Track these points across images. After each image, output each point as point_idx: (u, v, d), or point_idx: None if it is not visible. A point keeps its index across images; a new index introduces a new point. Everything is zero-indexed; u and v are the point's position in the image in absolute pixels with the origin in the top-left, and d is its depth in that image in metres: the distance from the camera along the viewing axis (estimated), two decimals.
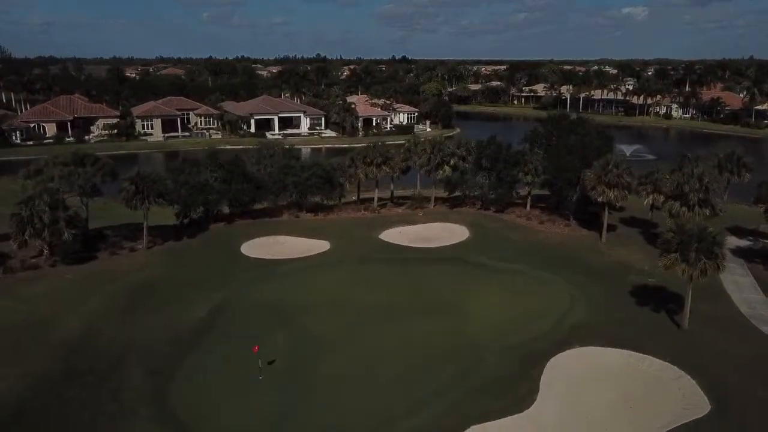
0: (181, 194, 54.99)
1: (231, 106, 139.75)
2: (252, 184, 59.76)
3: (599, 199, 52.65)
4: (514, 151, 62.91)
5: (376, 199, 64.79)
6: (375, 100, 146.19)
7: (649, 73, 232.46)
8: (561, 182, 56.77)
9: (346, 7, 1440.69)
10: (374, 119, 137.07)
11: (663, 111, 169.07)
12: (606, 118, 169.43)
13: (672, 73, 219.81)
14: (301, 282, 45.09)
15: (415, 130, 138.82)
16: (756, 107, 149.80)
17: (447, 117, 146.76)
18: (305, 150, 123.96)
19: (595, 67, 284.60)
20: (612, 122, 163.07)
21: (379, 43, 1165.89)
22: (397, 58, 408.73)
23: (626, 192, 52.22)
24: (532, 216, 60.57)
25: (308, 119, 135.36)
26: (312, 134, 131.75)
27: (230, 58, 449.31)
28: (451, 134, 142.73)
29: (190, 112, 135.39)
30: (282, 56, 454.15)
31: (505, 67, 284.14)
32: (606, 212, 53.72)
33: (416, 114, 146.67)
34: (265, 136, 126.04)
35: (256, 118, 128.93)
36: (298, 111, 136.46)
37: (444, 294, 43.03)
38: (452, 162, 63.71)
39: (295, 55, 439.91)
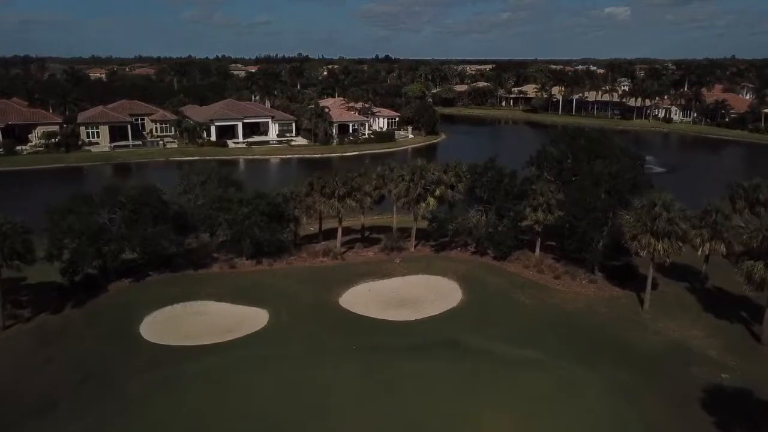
0: (63, 245, 38.80)
1: (192, 111, 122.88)
2: (169, 225, 43.57)
3: (642, 254, 37.22)
4: (519, 179, 47.23)
5: (339, 240, 48.74)
6: (352, 104, 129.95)
7: (641, 74, 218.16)
8: (584, 224, 41.23)
9: (331, 6, 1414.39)
10: (351, 125, 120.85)
11: (662, 114, 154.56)
12: (601, 121, 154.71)
13: (664, 73, 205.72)
14: (210, 397, 29.01)
15: (396, 136, 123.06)
16: (765, 110, 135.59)
17: (431, 122, 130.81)
18: (273, 160, 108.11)
19: (581, 67, 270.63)
20: (608, 126, 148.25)
21: (363, 42, 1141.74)
22: (380, 57, 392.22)
23: (680, 244, 36.78)
24: (543, 265, 44.86)
25: (277, 125, 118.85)
26: (281, 142, 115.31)
27: (210, 57, 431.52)
28: (435, 141, 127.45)
29: (145, 118, 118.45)
30: (263, 56, 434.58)
31: (491, 66, 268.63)
32: (652, 270, 38.16)
33: (397, 119, 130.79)
34: (226, 145, 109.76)
35: (217, 124, 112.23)
36: (266, 116, 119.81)
37: (433, 423, 27.22)
38: (438, 192, 47.92)
39: (276, 55, 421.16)
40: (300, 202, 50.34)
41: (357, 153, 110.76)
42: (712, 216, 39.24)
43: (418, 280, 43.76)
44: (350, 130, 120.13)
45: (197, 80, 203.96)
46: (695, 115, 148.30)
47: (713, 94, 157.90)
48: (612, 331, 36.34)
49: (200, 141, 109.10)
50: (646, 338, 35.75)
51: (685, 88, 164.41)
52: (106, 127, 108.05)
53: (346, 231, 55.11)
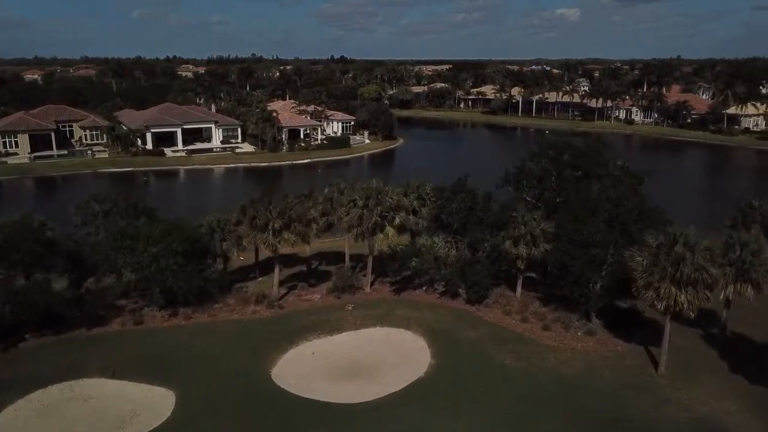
0: None
1: (129, 116, 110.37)
2: (51, 272, 33.13)
3: (659, 307, 28.73)
4: (496, 205, 38.34)
5: (276, 282, 38.84)
6: (303, 107, 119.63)
7: (596, 75, 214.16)
8: (581, 263, 32.58)
9: (286, 7, 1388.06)
10: (302, 130, 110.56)
11: (623, 115, 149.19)
12: (562, 123, 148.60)
13: (621, 73, 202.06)
14: None
15: (351, 142, 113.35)
16: (725, 111, 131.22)
17: (388, 126, 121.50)
18: (216, 170, 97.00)
19: (534, 67, 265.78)
20: (569, 128, 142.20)
21: (319, 43, 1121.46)
22: (335, 58, 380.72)
23: (708, 294, 28.40)
24: (528, 312, 36.03)
25: (221, 131, 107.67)
26: (225, 149, 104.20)
27: (160, 58, 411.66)
28: (393, 146, 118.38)
29: (74, 124, 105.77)
30: (215, 56, 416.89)
31: (447, 67, 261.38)
32: (668, 327, 29.68)
33: (352, 123, 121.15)
34: (163, 154, 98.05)
35: (153, 131, 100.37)
36: (208, 121, 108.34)
37: None
38: (397, 221, 38.61)
39: (229, 55, 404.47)
40: (229, 233, 40.44)
41: (308, 160, 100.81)
42: (737, 251, 31.12)
43: (375, 335, 34.37)
44: (301, 136, 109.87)
45: (142, 82, 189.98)
46: (656, 116, 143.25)
47: (671, 94, 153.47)
48: (624, 406, 27.74)
49: (134, 149, 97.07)
50: (668, 415, 27.23)
51: (645, 89, 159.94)
52: (26, 135, 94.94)
53: (290, 261, 45.49)
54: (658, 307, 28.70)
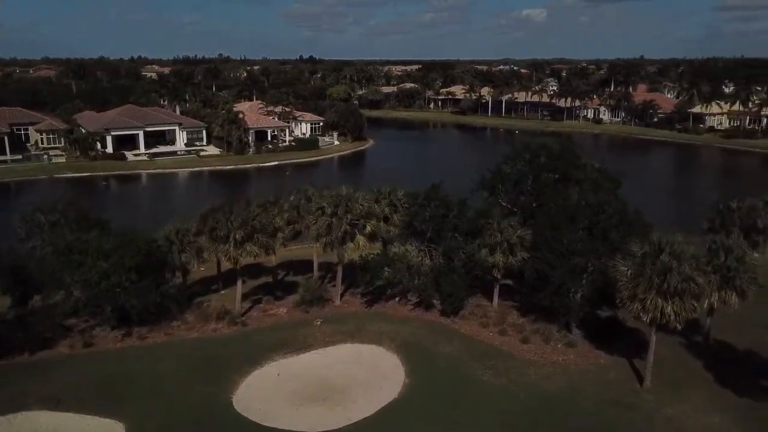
0: None
1: (89, 118, 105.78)
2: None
3: (645, 319, 27.16)
4: (471, 211, 36.45)
5: (239, 298, 36.29)
6: (271, 108, 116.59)
7: (564, 74, 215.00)
8: (561, 273, 30.88)
9: (256, 7, 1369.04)
10: (269, 131, 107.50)
11: (591, 115, 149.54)
12: (532, 123, 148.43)
13: (588, 72, 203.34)
14: None
15: (320, 143, 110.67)
16: (690, 110, 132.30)
17: (358, 126, 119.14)
18: (181, 174, 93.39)
19: (502, 67, 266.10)
20: (538, 128, 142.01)
21: (288, 43, 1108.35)
22: (304, 58, 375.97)
23: (695, 304, 26.91)
24: (506, 323, 34.21)
25: (185, 133, 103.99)
26: (189, 152, 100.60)
27: (125, 58, 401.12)
28: (363, 147, 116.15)
29: (29, 128, 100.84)
30: (181, 56, 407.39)
31: (417, 67, 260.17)
32: (654, 339, 28.14)
33: (321, 124, 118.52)
34: (124, 158, 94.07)
35: (114, 133, 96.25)
36: (172, 123, 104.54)
37: None
38: (368, 228, 36.43)
39: (196, 55, 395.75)
40: (189, 244, 37.72)
41: (276, 163, 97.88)
42: (721, 257, 29.76)
43: (345, 352, 32.14)
44: (269, 137, 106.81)
45: (104, 83, 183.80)
46: (624, 115, 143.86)
47: (638, 94, 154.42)
48: (610, 425, 26.10)
49: (93, 153, 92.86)
50: None
51: (612, 88, 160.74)
52: None
53: (254, 271, 42.90)
54: (644, 319, 27.12)
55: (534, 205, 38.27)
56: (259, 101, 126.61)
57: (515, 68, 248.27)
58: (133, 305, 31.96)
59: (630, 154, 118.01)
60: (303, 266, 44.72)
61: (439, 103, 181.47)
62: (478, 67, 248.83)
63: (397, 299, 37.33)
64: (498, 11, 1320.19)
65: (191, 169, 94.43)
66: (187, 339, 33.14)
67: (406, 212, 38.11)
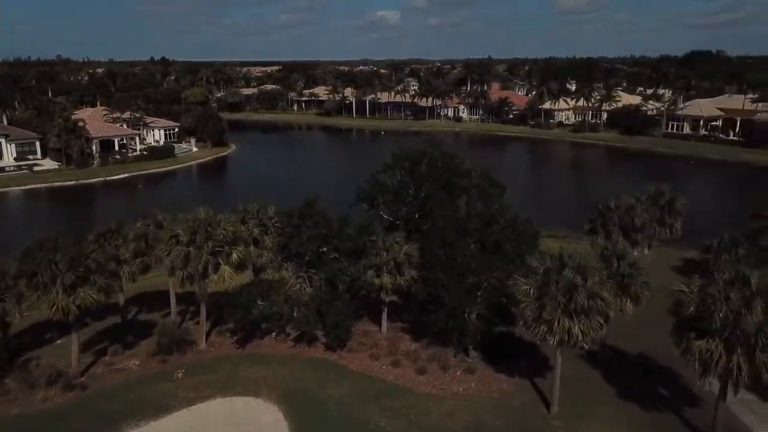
0: None
1: None
2: None
3: (552, 341, 24.57)
4: (351, 229, 32.20)
5: (75, 356, 29.07)
6: (118, 114, 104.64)
7: (422, 74, 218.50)
8: (455, 293, 27.62)
9: (101, 7, 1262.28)
10: (116, 140, 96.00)
11: (452, 113, 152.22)
12: (396, 123, 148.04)
13: (444, 72, 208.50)
14: None
15: (176, 151, 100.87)
16: (541, 107, 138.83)
17: (217, 131, 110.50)
18: (12, 193, 80.00)
19: (362, 67, 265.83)
20: (402, 128, 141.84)
21: (137, 44, 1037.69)
22: (156, 59, 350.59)
23: (601, 321, 24.73)
24: (399, 352, 30.43)
25: (13, 146, 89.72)
26: (21, 168, 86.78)
27: None
28: (224, 153, 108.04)
29: None
30: (12, 58, 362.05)
31: (278, 68, 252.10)
32: (559, 361, 25.69)
33: (177, 130, 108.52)
34: None
35: None
36: None
37: None
38: (235, 256, 30.86)
39: (29, 57, 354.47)
40: (7, 290, 29.81)
41: (126, 175, 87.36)
42: (614, 264, 28.14)
43: (216, 409, 26.49)
44: (116, 147, 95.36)
45: None
46: (482, 113, 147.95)
47: (493, 92, 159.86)
48: None
49: None
50: None
51: (469, 87, 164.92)
52: None
53: (99, 311, 35.42)
54: (551, 341, 24.53)
55: (417, 216, 34.94)
56: (104, 107, 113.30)
57: (374, 68, 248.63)
58: None
59: (489, 150, 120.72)
60: (159, 299, 38.13)
61: (303, 104, 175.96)
62: (340, 67, 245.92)
63: (274, 334, 32.20)
64: (353, 12, 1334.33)
65: (24, 188, 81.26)
66: (4, 417, 25.60)
67: (279, 233, 33.06)
